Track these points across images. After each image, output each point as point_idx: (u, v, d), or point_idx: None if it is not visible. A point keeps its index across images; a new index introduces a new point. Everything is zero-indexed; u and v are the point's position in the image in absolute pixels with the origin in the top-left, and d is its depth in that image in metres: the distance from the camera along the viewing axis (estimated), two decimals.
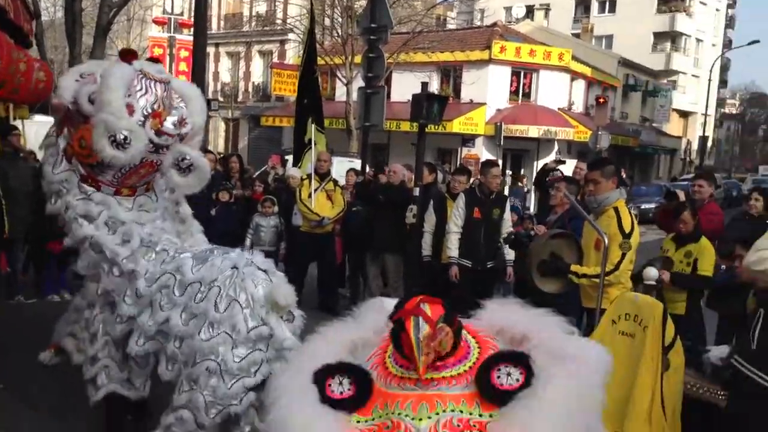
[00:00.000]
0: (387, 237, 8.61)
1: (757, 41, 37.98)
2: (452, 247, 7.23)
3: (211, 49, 33.12)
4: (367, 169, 11.55)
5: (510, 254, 7.37)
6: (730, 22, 61.18)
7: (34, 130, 10.57)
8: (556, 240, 5.21)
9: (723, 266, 5.73)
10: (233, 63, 36.60)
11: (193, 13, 11.76)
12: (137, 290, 4.05)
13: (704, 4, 49.75)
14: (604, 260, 4.32)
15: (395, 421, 1.94)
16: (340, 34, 24.80)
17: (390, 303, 2.40)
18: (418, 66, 26.54)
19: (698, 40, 48.87)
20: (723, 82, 63.85)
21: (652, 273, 4.35)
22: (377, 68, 11.30)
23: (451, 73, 29.14)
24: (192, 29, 12.45)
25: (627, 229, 4.85)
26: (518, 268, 7.21)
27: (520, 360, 2.04)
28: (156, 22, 27.60)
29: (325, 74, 30.57)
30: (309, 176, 9.00)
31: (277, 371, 3.13)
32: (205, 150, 11.75)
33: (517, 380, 2.00)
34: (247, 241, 8.61)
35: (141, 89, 4.08)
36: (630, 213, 5.04)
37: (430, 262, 7.79)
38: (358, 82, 14.26)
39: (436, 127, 19.58)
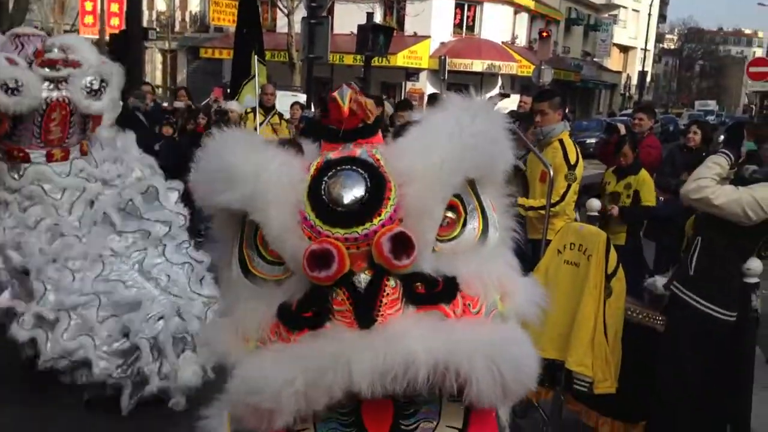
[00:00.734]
0: None
1: None
2: None
3: None
4: (313, 107, 11.39)
5: None
6: None
7: None
8: None
9: (661, 198, 5.91)
10: None
11: None
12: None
13: None
14: (549, 192, 4.40)
15: None
16: None
17: None
18: None
19: None
20: (662, 17, 64.50)
21: (594, 204, 4.45)
22: None
23: (394, 5, 28.69)
24: None
25: (572, 161, 4.94)
26: None
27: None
28: None
29: (265, 4, 29.70)
30: (254, 109, 8.83)
31: None
32: (143, 83, 11.45)
33: None
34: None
35: (17, 47, 4.22)
36: (575, 145, 5.13)
37: None
38: (300, 13, 13.94)
39: (381, 60, 19.42)
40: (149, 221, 4.32)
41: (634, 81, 47.80)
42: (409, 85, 27.47)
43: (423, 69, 27.46)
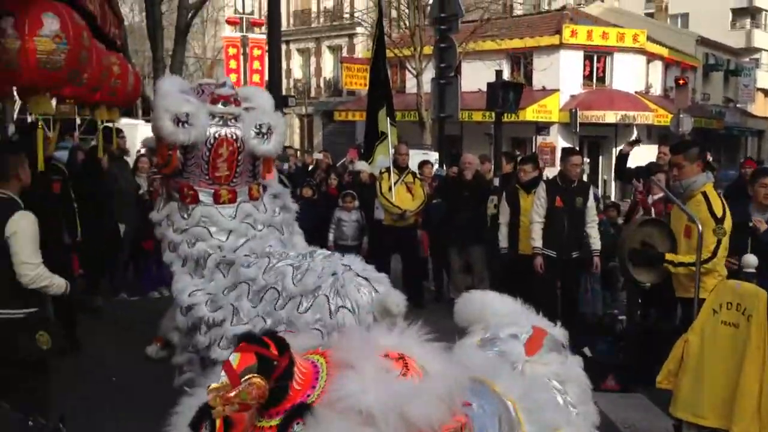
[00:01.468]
0: (470, 228, 8.59)
1: None
2: (536, 237, 7.15)
3: (282, 47, 33.60)
4: (445, 165, 11.49)
5: (596, 243, 7.25)
6: None
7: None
8: (646, 227, 5.11)
9: None
10: (304, 59, 37.05)
11: (264, 12, 11.98)
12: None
13: None
14: (699, 247, 4.20)
15: None
16: (407, 25, 24.77)
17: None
18: (487, 54, 26.25)
19: None
20: None
21: (751, 260, 4.21)
22: (449, 58, 11.29)
23: (521, 60, 28.73)
24: (264, 27, 12.70)
25: (719, 214, 4.70)
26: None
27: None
28: (229, 22, 28.16)
29: (394, 66, 30.61)
30: (388, 169, 9.06)
31: None
32: (285, 146, 12.03)
33: None
34: (330, 237, 8.72)
35: (198, 93, 4.47)
36: (720, 197, 4.89)
37: (507, 254, 7.74)
38: (429, 74, 14.26)
39: (510, 116, 19.40)
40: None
41: None
42: (540, 139, 27.21)
43: (553, 123, 27.16)
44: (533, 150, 26.43)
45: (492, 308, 2.76)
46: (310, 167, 12.07)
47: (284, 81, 34.96)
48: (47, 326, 3.86)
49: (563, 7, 30.81)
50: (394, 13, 26.64)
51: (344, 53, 33.73)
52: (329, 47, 35.52)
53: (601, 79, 28.31)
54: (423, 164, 10.70)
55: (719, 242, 4.64)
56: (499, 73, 10.71)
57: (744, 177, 7.52)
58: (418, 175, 9.50)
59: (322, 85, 35.96)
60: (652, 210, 6.94)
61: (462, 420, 1.90)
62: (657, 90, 30.07)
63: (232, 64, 25.00)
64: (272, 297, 4.09)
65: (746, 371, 3.26)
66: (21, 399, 3.72)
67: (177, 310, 4.56)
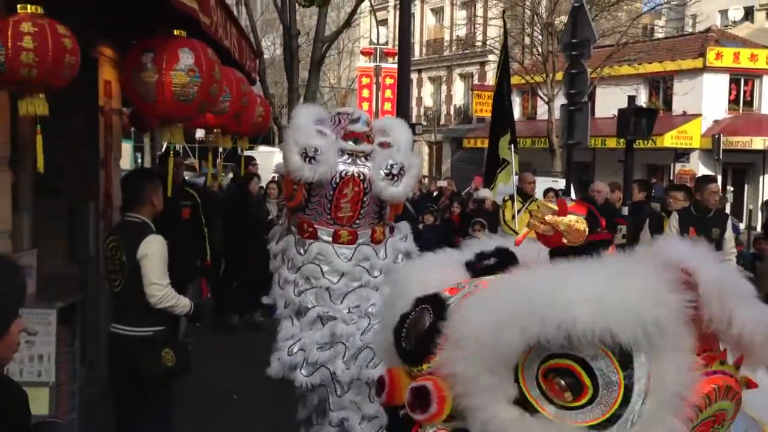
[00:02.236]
0: None
1: None
2: None
3: (414, 75, 34.14)
4: (573, 191, 11.23)
5: None
6: None
7: (258, 159, 11.61)
8: None
9: None
10: (435, 87, 37.46)
11: (397, 43, 12.23)
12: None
13: None
14: None
15: None
16: (540, 51, 24.50)
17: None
18: (624, 79, 25.43)
19: None
20: None
21: None
22: (580, 84, 11.00)
23: (660, 85, 27.60)
24: (396, 57, 12.96)
25: None
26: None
27: None
28: (363, 53, 29.08)
29: (526, 93, 30.33)
30: (512, 197, 8.95)
31: None
32: None
33: None
34: None
35: (335, 123, 4.26)
36: None
37: None
38: (560, 100, 13.97)
39: (646, 142, 18.67)
40: None
41: None
42: (679, 166, 25.94)
43: (694, 149, 25.82)
44: (671, 177, 25.25)
45: None
46: (435, 194, 12.14)
47: (415, 108, 35.63)
48: (172, 344, 4.11)
49: (708, 29, 29.29)
50: (526, 40, 26.45)
51: (475, 80, 33.79)
52: (460, 75, 35.72)
53: (749, 103, 26.66)
54: (546, 192, 10.51)
55: None
56: (631, 98, 10.32)
57: None
58: None
59: (452, 112, 36.16)
60: None
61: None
62: None
63: (365, 93, 25.73)
64: (367, 357, 4.06)
65: None
66: (143, 413, 3.97)
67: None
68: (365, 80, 25.65)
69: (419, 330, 1.60)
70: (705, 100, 25.80)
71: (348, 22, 17.39)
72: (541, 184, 14.99)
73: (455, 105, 36.04)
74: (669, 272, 1.48)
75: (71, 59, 3.47)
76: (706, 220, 6.82)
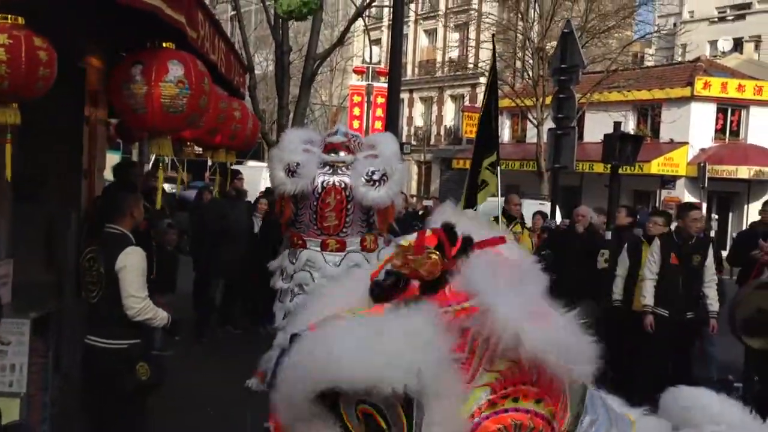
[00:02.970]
0: (578, 282, 8.33)
1: None
2: (647, 295, 6.83)
3: (405, 95, 34.35)
4: (558, 214, 11.27)
5: (714, 305, 6.83)
6: None
7: (247, 174, 11.61)
8: (765, 291, 4.78)
9: None
10: (426, 107, 37.66)
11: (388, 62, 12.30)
12: None
13: None
14: None
15: None
16: (531, 75, 24.71)
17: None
18: (613, 105, 25.66)
19: None
20: None
21: None
22: (567, 109, 11.09)
23: (648, 112, 27.87)
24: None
25: None
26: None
27: None
28: (355, 71, 29.24)
29: (516, 116, 30.54)
30: (496, 219, 8.97)
31: None
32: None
33: None
34: None
35: (323, 143, 4.42)
36: None
37: (620, 308, 7.42)
38: (549, 124, 14.08)
39: (632, 168, 18.82)
40: None
41: None
42: (665, 193, 26.12)
43: (680, 176, 26.03)
44: (657, 204, 25.41)
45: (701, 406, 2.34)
46: (420, 212, 12.14)
47: (405, 128, 35.78)
48: (148, 358, 4.07)
49: (697, 59, 29.64)
50: (518, 64, 26.67)
51: (466, 102, 34.00)
52: (451, 96, 35.94)
53: (735, 133, 26.94)
54: (534, 215, 10.55)
55: None
56: (617, 124, 10.41)
57: None
58: (527, 226, 9.35)
59: (442, 132, 36.34)
60: None
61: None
62: None
63: (356, 111, 25.85)
64: None
65: None
66: (117, 426, 3.93)
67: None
68: (357, 98, 25.78)
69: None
70: (692, 128, 26.06)
71: (341, 41, 17.46)
72: (529, 206, 15.03)
73: (445, 126, 36.23)
74: (445, 317, 1.63)
75: (45, 71, 3.46)
76: (688, 247, 6.86)
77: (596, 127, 22.52)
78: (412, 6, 35.58)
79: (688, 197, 23.62)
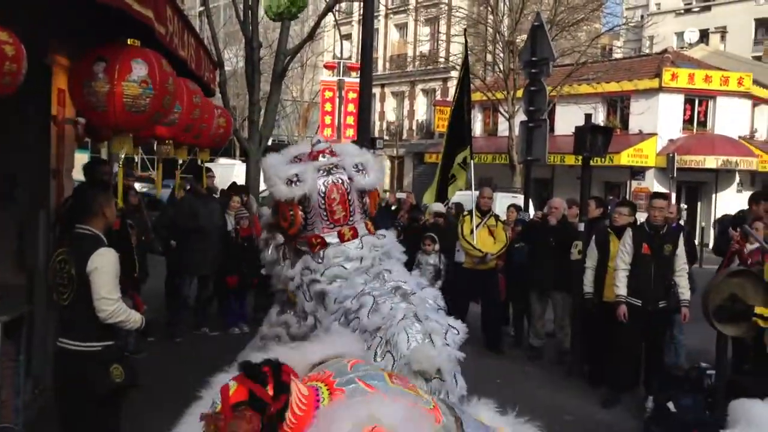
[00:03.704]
0: (553, 274, 8.40)
1: None
2: (620, 285, 6.91)
3: (377, 90, 34.30)
4: (531, 207, 11.33)
5: (685, 293, 6.92)
6: None
7: (219, 172, 11.50)
8: (736, 279, 4.85)
9: None
10: (398, 102, 37.64)
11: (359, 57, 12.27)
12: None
13: None
14: None
15: None
16: (501, 69, 24.81)
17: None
18: (582, 98, 25.90)
19: None
20: None
21: None
22: (539, 101, 11.15)
23: (618, 104, 28.17)
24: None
25: None
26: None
27: None
28: (326, 66, 29.12)
29: (487, 109, 30.66)
30: (470, 212, 9.01)
31: None
32: None
33: None
34: None
35: (301, 160, 4.76)
36: None
37: (591, 300, 7.50)
38: (521, 117, 14.16)
39: (603, 160, 18.98)
40: None
41: None
42: (635, 184, 26.44)
43: (649, 167, 26.36)
44: (627, 194, 25.70)
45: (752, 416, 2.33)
46: (393, 207, 12.15)
47: (377, 123, 35.75)
48: (121, 360, 4.00)
49: (664, 51, 30.01)
50: (488, 57, 26.76)
51: (438, 96, 34.05)
52: (423, 90, 35.96)
53: (703, 124, 27.33)
54: (508, 207, 10.60)
55: None
56: (588, 116, 10.46)
57: None
58: (501, 219, 9.39)
59: (414, 127, 36.36)
60: (749, 261, 6.57)
61: None
62: (763, 135, 28.75)
63: (328, 106, 25.75)
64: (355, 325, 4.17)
65: None
66: (91, 430, 3.87)
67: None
68: (328, 94, 25.67)
69: None
70: (660, 119, 26.39)
71: (311, 36, 17.34)
72: (502, 199, 15.12)
73: (417, 120, 36.25)
74: None
75: (12, 66, 3.38)
76: (659, 237, 6.94)
77: (567, 120, 22.71)
78: (383, 0, 35.61)
79: (658, 187, 23.92)
